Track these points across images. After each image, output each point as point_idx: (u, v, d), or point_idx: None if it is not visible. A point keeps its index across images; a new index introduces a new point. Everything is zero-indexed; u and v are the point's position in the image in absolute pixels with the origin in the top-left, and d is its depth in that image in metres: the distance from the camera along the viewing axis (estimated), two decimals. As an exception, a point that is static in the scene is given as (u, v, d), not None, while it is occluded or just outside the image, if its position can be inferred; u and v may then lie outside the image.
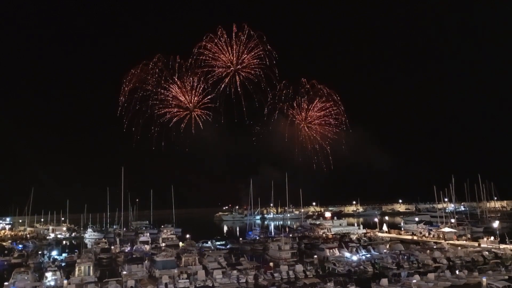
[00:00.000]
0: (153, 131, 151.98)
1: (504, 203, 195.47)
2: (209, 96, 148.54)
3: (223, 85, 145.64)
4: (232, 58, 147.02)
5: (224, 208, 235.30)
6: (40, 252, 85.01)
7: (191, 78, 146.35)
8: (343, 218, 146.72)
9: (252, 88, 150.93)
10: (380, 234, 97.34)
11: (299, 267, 56.75)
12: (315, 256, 66.19)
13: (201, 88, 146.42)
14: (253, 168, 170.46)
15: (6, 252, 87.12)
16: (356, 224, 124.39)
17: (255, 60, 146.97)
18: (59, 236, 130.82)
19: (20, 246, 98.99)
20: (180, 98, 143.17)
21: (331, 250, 68.21)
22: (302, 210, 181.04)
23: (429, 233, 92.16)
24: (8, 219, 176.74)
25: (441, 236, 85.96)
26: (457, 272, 52.91)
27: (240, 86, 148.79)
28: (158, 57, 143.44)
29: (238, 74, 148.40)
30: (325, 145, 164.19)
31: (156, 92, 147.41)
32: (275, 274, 54.57)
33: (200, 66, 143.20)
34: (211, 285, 51.11)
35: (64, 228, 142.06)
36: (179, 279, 51.89)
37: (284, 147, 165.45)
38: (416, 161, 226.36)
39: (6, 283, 52.55)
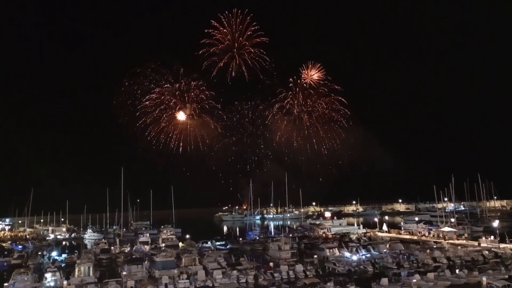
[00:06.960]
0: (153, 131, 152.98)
1: (504, 202, 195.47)
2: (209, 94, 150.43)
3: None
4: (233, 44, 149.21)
5: (223, 208, 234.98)
6: (39, 253, 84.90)
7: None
8: (343, 218, 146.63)
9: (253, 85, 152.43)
10: (380, 234, 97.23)
11: (299, 267, 56.69)
12: (315, 256, 66.14)
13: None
14: (253, 167, 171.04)
15: (6, 253, 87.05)
16: (356, 224, 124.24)
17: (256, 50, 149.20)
18: (58, 236, 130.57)
19: (20, 247, 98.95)
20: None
21: (331, 250, 68.10)
22: (302, 210, 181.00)
23: (429, 233, 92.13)
24: (7, 220, 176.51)
25: (441, 236, 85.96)
26: (457, 271, 52.97)
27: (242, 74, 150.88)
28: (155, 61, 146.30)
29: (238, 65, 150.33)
30: (325, 143, 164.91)
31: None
32: (275, 274, 54.52)
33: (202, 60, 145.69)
34: (211, 285, 51.12)
35: (64, 229, 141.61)
36: (179, 279, 51.81)
37: (285, 145, 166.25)
38: (416, 160, 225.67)
39: (6, 284, 52.56)
